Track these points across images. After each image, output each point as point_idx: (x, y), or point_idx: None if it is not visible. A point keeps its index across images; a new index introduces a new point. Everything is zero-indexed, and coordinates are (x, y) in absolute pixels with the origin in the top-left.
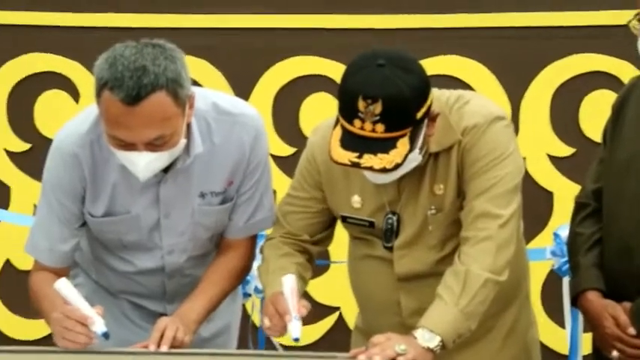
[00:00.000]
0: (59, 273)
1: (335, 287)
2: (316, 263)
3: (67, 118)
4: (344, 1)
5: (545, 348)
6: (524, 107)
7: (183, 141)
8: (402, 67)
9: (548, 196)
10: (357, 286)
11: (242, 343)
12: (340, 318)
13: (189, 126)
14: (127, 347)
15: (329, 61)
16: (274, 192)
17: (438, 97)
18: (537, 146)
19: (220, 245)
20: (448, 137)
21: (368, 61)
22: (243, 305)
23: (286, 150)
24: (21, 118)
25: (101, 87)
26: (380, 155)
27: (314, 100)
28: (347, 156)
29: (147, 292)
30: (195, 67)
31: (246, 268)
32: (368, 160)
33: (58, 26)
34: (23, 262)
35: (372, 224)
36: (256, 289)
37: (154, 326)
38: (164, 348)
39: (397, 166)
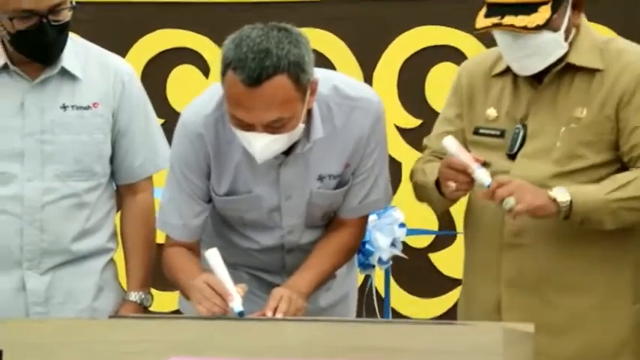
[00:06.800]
0: (191, 247)
1: (462, 259)
2: (442, 234)
3: (198, 93)
4: None
5: None
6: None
7: (301, 125)
8: None
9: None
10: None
11: (366, 313)
12: None
13: (310, 111)
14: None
15: (452, 30)
16: (400, 164)
17: (592, 32)
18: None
19: (332, 221)
20: (590, 57)
21: None
22: (369, 276)
23: (412, 122)
24: (154, 94)
25: (226, 67)
26: (521, 17)
27: (440, 70)
28: (490, 20)
29: (266, 267)
30: (321, 39)
31: (355, 246)
32: (509, 19)
33: (189, 2)
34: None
35: (502, 134)
36: (380, 261)
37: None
38: (279, 316)
39: (538, 28)
